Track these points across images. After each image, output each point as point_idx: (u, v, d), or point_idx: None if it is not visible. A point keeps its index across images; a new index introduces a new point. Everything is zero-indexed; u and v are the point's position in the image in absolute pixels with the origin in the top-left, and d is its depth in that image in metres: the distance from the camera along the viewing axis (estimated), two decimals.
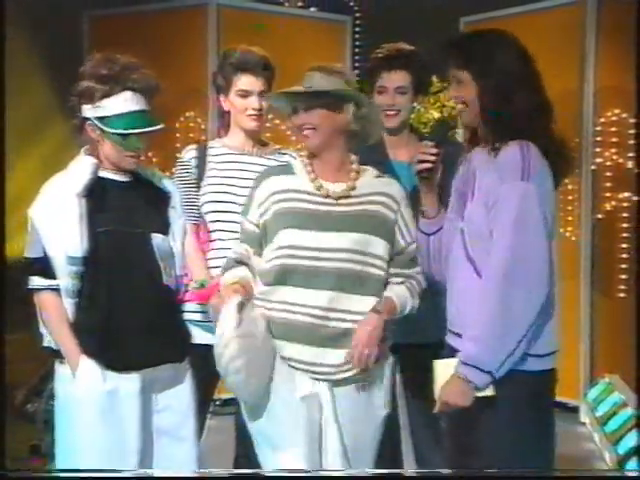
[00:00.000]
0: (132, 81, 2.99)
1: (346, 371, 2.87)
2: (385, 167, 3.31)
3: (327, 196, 2.93)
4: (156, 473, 3.04)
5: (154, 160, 5.88)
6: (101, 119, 2.98)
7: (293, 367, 2.88)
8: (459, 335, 2.67)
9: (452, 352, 2.68)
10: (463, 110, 2.75)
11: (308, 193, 2.94)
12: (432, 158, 2.77)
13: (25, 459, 4.16)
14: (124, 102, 2.98)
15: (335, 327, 2.86)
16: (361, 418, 2.92)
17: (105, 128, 2.98)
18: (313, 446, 2.86)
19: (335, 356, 2.86)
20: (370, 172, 3.03)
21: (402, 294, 2.95)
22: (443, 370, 2.64)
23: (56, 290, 2.97)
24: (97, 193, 3.00)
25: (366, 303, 2.88)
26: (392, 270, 2.96)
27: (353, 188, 2.95)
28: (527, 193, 2.57)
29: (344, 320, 2.86)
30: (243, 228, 3.05)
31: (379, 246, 2.92)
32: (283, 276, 2.89)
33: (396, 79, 3.47)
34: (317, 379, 2.88)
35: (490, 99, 2.67)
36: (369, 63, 3.59)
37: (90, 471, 2.89)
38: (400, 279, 2.97)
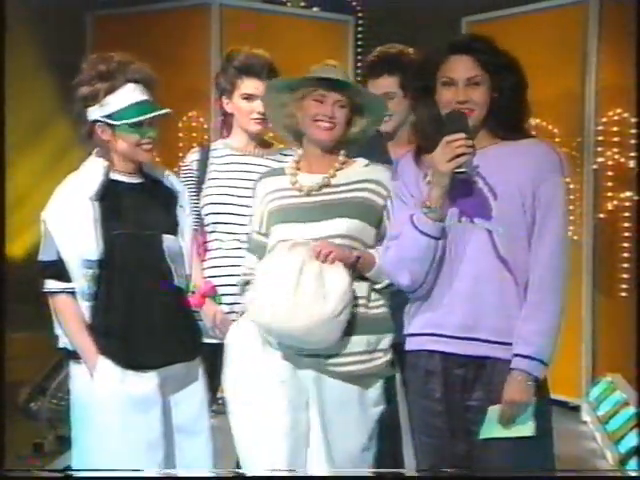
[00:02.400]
0: (131, 73, 3.00)
1: (348, 364, 2.89)
2: None
3: (303, 189, 2.98)
4: (159, 473, 3.04)
5: (157, 160, 5.89)
6: (109, 116, 2.98)
7: (291, 356, 2.90)
8: (485, 341, 2.65)
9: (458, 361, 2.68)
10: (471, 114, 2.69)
11: (290, 189, 3.00)
12: (469, 150, 2.59)
13: (28, 457, 4.19)
14: (128, 94, 2.98)
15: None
16: (352, 415, 2.92)
17: (115, 122, 2.97)
18: (297, 442, 2.89)
19: (342, 344, 2.87)
20: (359, 162, 3.04)
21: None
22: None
23: (71, 293, 2.98)
24: (109, 196, 3.00)
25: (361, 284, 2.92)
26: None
27: (334, 176, 2.98)
28: (565, 188, 2.73)
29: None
30: (250, 239, 3.10)
31: (364, 231, 2.94)
32: None
33: (381, 85, 3.43)
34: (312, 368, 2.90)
35: (510, 97, 2.69)
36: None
37: (93, 470, 2.90)
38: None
